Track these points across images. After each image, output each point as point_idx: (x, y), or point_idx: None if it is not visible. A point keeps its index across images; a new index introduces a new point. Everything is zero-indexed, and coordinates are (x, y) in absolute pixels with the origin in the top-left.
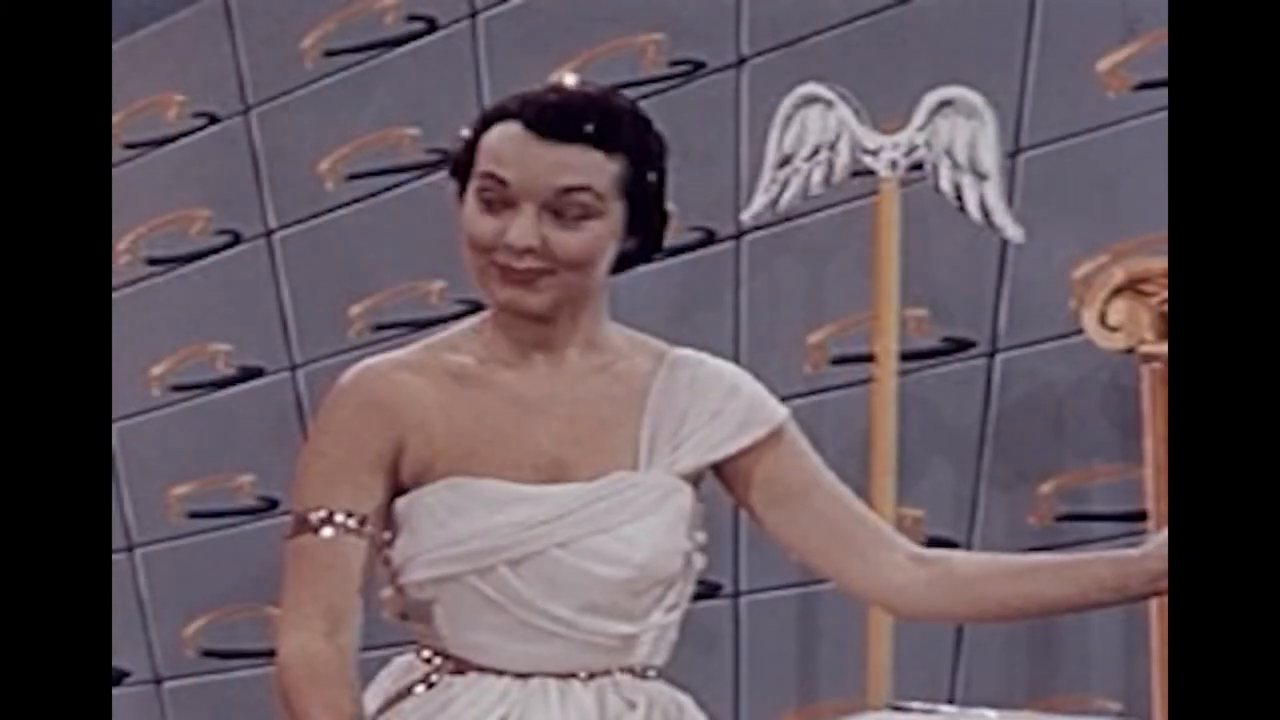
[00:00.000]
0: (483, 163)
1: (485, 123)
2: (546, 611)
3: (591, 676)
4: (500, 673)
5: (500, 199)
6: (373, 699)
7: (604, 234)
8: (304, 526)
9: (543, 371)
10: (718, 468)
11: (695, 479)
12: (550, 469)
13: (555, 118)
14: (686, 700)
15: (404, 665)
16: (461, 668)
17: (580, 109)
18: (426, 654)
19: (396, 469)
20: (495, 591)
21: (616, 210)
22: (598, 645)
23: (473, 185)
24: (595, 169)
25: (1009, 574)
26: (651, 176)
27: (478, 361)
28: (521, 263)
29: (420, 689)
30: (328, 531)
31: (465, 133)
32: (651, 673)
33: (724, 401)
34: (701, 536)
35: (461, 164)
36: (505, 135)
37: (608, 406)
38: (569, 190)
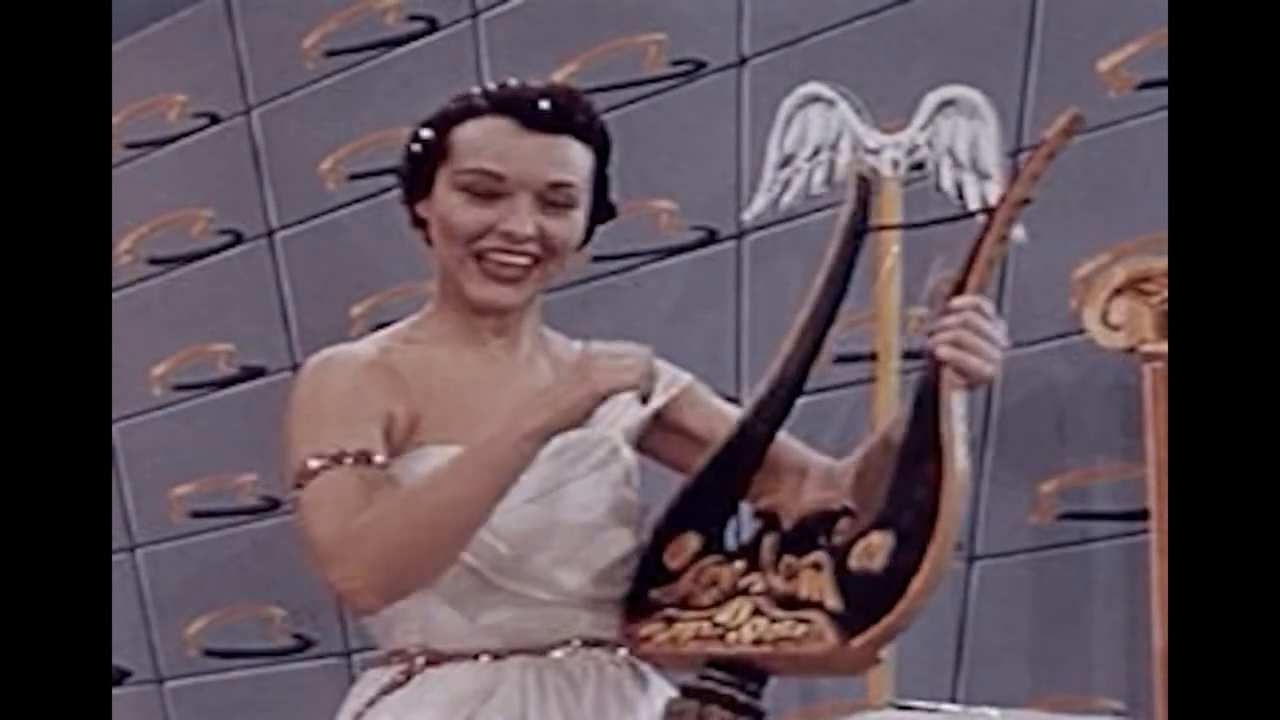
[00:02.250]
0: (467, 158)
1: (450, 120)
2: (518, 569)
3: (561, 650)
4: (475, 657)
5: (491, 191)
6: (350, 710)
7: (581, 222)
8: (322, 463)
9: (497, 354)
10: (655, 447)
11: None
12: None
13: (548, 110)
14: (654, 675)
15: (374, 676)
16: (436, 660)
17: (565, 101)
18: (401, 655)
19: (389, 436)
20: (470, 555)
21: (585, 200)
22: (569, 606)
23: (452, 179)
24: (580, 159)
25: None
26: (606, 169)
27: (437, 346)
28: (522, 249)
29: (399, 691)
30: (350, 463)
31: (425, 133)
32: (621, 651)
33: None
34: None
35: (424, 162)
36: (493, 130)
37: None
38: (562, 180)
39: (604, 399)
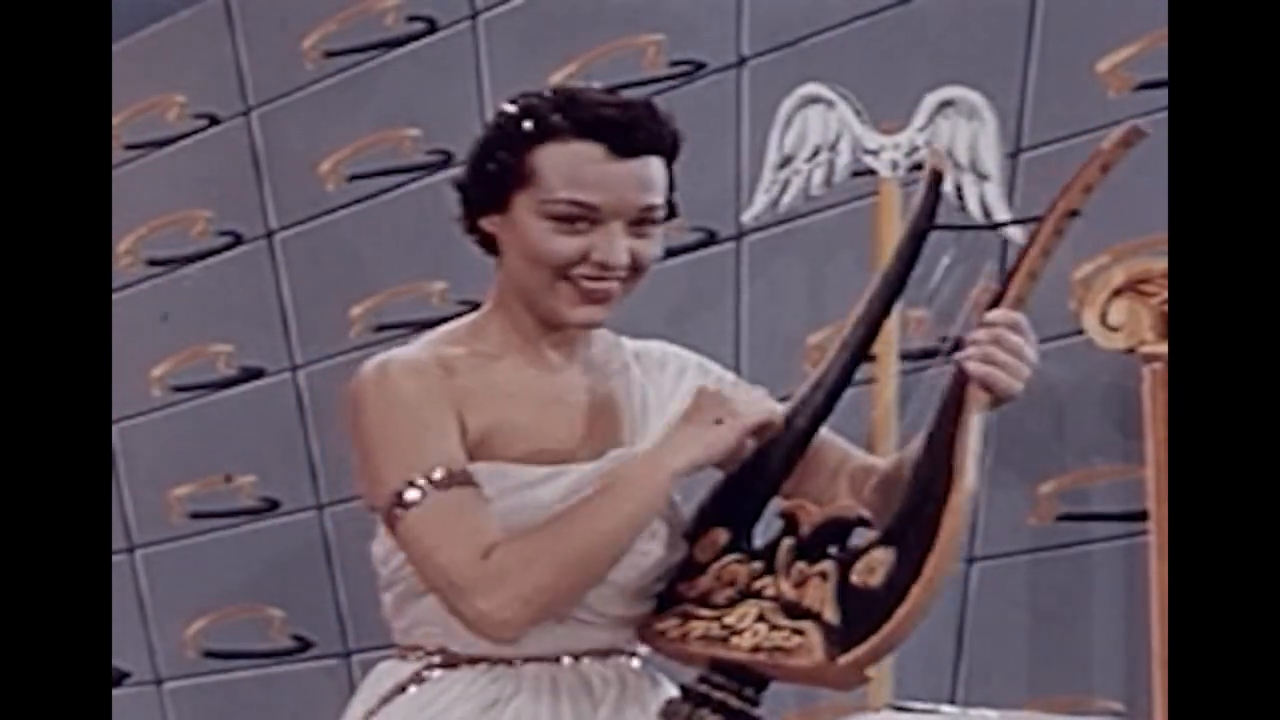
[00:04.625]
0: (556, 188)
1: (529, 142)
2: None
3: (576, 659)
4: (493, 662)
5: (584, 219)
6: (362, 703)
7: (662, 235)
8: (429, 486)
9: (556, 365)
10: None
11: None
12: (566, 454)
13: (638, 137)
14: (666, 682)
15: (388, 669)
16: (453, 661)
17: (647, 119)
18: (418, 653)
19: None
20: None
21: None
22: (593, 623)
23: (538, 208)
24: (663, 175)
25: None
26: (673, 170)
27: (498, 360)
28: (613, 276)
29: (413, 689)
30: (460, 486)
31: (502, 155)
32: (636, 661)
33: (677, 381)
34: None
35: (500, 184)
36: (579, 157)
37: (608, 394)
38: (653, 203)
39: (751, 434)
